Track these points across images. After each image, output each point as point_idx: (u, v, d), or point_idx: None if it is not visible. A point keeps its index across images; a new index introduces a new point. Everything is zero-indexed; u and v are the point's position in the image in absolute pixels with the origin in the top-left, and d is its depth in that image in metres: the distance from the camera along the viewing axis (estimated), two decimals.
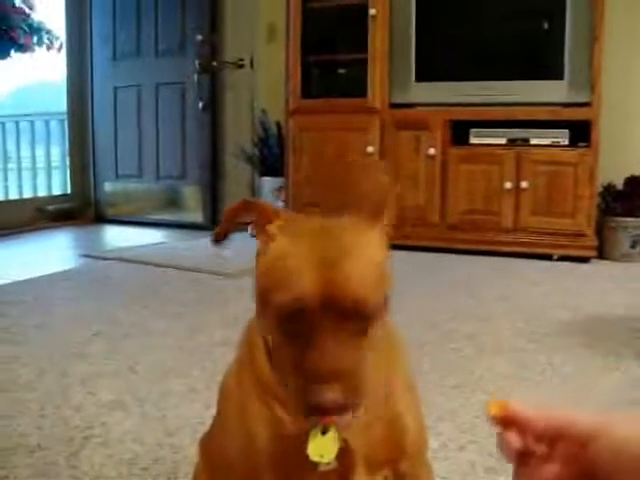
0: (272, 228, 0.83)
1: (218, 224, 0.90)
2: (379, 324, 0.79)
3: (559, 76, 4.12)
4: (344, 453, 0.87)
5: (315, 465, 0.85)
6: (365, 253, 0.80)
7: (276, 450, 0.88)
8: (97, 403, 1.99)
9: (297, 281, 0.76)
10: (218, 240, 0.89)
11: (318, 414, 0.74)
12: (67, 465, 1.62)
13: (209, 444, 1.11)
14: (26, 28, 6.87)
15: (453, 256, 4.24)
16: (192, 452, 1.66)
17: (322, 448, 0.85)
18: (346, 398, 0.73)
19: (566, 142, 4.15)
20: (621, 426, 0.54)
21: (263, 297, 0.80)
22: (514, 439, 0.57)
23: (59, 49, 6.34)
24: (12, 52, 8.24)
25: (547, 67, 4.21)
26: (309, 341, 0.75)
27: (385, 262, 0.82)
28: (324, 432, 0.85)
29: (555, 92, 4.14)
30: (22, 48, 7.49)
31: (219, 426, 1.02)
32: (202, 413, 1.90)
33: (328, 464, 0.85)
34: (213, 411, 1.86)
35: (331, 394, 0.73)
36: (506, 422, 0.58)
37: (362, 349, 0.77)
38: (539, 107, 4.18)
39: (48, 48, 6.37)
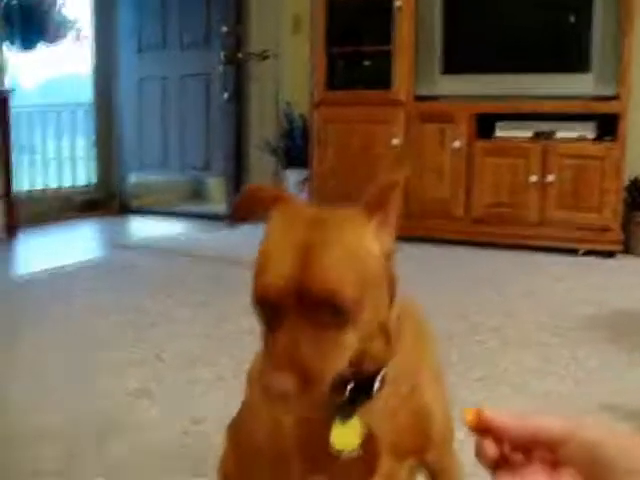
0: (272, 214, 0.83)
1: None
2: (361, 321, 0.76)
3: (586, 69, 4.08)
4: (369, 441, 0.87)
5: (340, 451, 0.86)
6: (348, 245, 0.77)
7: (302, 435, 0.89)
8: (124, 391, 2.01)
9: (273, 268, 0.75)
10: (232, 223, 0.89)
11: (269, 398, 0.73)
12: (93, 452, 1.64)
13: (237, 430, 1.11)
14: (53, 20, 6.93)
15: (478, 250, 4.22)
16: (219, 440, 1.67)
17: (345, 437, 0.86)
18: (297, 389, 0.72)
19: (593, 135, 4.11)
20: (590, 429, 0.55)
21: (251, 282, 0.79)
22: (490, 447, 0.58)
23: (83, 40, 6.40)
24: (39, 44, 8.31)
25: (574, 60, 4.17)
26: (278, 327, 0.75)
27: (376, 258, 0.79)
28: (347, 419, 0.86)
29: (582, 85, 4.10)
30: (49, 40, 7.56)
31: (247, 412, 1.03)
32: (229, 401, 1.90)
33: (351, 452, 0.86)
34: (240, 399, 1.88)
35: (280, 381, 0.72)
36: (481, 429, 0.59)
37: (335, 344, 0.75)
38: (566, 100, 4.14)
39: (74, 40, 6.43)
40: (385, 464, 0.90)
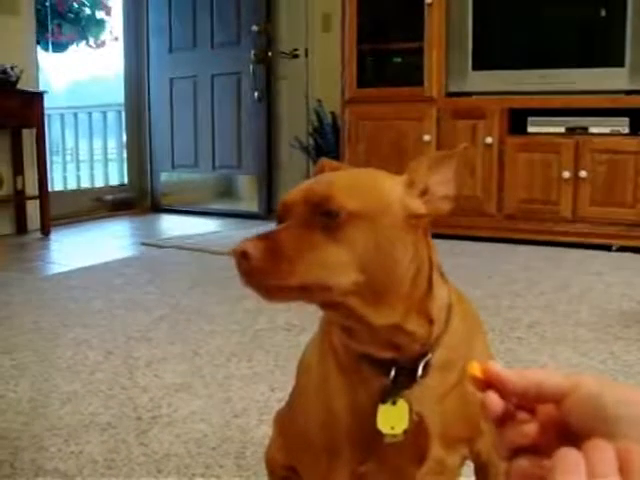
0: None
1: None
2: (355, 241, 0.79)
3: (620, 63, 4.05)
4: (419, 427, 0.88)
5: (386, 434, 0.86)
6: (364, 181, 0.85)
7: (353, 424, 0.90)
8: (163, 385, 2.04)
9: (295, 188, 0.85)
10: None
11: (233, 255, 0.77)
12: (137, 443, 1.66)
13: (286, 419, 1.12)
14: (84, 23, 7.01)
15: (511, 246, 4.20)
16: (259, 433, 1.69)
17: (392, 419, 0.86)
18: (261, 259, 0.76)
19: (626, 130, 4.08)
20: (589, 382, 0.55)
21: None
22: (495, 401, 0.58)
23: (114, 41, 6.48)
24: (70, 46, 8.42)
25: (607, 54, 4.13)
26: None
27: (393, 207, 0.82)
28: (394, 403, 0.87)
29: (615, 79, 4.07)
30: (80, 42, 7.65)
31: (298, 402, 1.03)
32: (267, 395, 1.93)
33: (395, 436, 0.86)
34: (278, 394, 1.90)
35: (247, 243, 0.76)
36: (487, 384, 0.59)
37: (318, 247, 0.78)
38: (598, 95, 4.11)
39: (109, 41, 6.51)
40: (435, 451, 0.90)
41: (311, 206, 0.80)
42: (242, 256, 0.76)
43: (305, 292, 0.79)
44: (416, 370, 0.86)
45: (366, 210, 0.80)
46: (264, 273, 0.76)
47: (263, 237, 0.78)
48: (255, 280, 0.78)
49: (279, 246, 0.77)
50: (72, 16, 8.61)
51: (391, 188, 0.84)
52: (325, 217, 0.78)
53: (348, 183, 0.83)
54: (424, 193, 0.85)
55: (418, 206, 0.84)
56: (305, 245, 0.78)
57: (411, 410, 0.87)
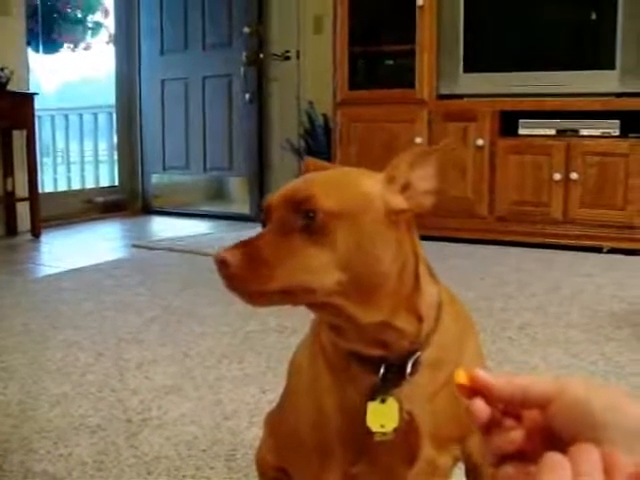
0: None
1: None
2: (336, 242, 0.79)
3: (610, 66, 4.06)
4: (409, 426, 0.88)
5: (376, 433, 0.86)
6: (343, 179, 0.86)
7: (345, 423, 0.90)
8: (153, 387, 2.03)
9: (278, 190, 0.86)
10: None
11: (215, 264, 0.78)
12: (127, 445, 1.66)
13: (277, 420, 1.12)
14: (76, 24, 7.00)
15: (502, 248, 4.21)
16: (250, 435, 1.69)
17: (381, 417, 0.86)
18: (241, 266, 0.76)
19: (617, 133, 4.08)
20: (575, 388, 0.55)
21: None
22: (482, 408, 0.58)
23: (106, 43, 6.47)
24: (61, 48, 8.40)
25: (598, 57, 4.14)
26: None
27: (373, 203, 0.82)
28: (384, 401, 0.86)
29: (606, 82, 4.07)
30: (72, 44, 7.64)
31: (289, 402, 1.03)
32: (258, 397, 1.92)
33: (385, 434, 0.86)
34: (269, 396, 1.89)
35: (227, 252, 0.77)
36: (474, 391, 0.59)
37: (298, 251, 0.78)
38: (589, 97, 4.12)
39: (102, 43, 6.50)
40: (426, 451, 0.90)
41: (290, 208, 0.80)
42: (222, 263, 0.77)
43: (288, 295, 0.79)
44: (405, 368, 0.86)
45: (345, 209, 0.80)
46: (244, 279, 0.77)
47: (242, 244, 0.79)
48: (236, 286, 0.78)
49: (258, 252, 0.78)
50: (69, 18, 8.60)
51: (371, 185, 0.84)
52: (304, 219, 0.79)
53: (326, 183, 0.83)
54: (406, 189, 0.85)
55: (399, 202, 0.84)
56: (284, 249, 0.79)
57: (401, 408, 0.86)
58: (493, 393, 0.58)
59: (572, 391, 0.54)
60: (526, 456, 0.56)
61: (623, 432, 0.51)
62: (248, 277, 0.77)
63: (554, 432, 0.55)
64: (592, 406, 0.53)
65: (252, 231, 0.84)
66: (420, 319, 0.86)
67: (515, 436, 0.57)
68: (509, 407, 0.58)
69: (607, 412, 0.52)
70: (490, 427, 0.58)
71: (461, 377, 0.59)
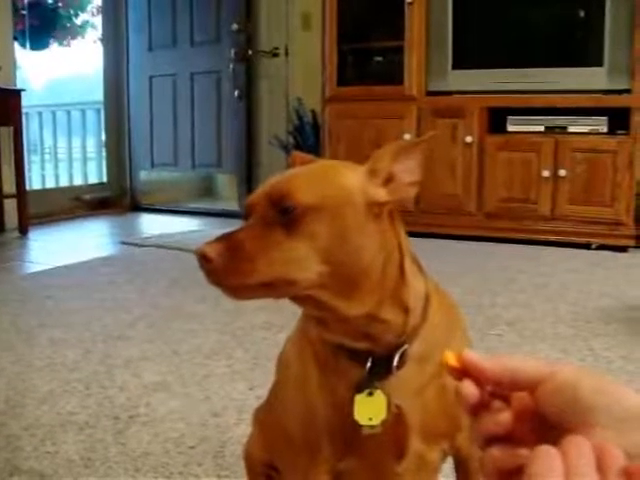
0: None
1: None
2: (314, 235, 0.79)
3: (598, 63, 4.07)
4: (398, 420, 0.87)
5: (364, 426, 0.86)
6: (321, 173, 0.86)
7: (333, 417, 0.89)
8: (141, 384, 2.02)
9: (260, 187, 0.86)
10: None
11: (197, 260, 0.78)
12: (115, 442, 1.65)
13: (266, 416, 1.11)
14: (65, 21, 6.95)
15: (491, 245, 4.21)
16: (238, 432, 1.68)
17: (369, 410, 0.86)
18: (221, 260, 0.77)
19: (605, 130, 4.10)
20: (566, 371, 0.54)
21: None
22: (471, 390, 0.58)
23: (93, 39, 6.43)
24: (50, 44, 8.36)
25: (586, 54, 4.15)
26: None
27: (353, 196, 0.82)
28: (371, 394, 0.86)
29: (594, 79, 4.09)
30: (60, 40, 7.59)
31: (277, 397, 1.03)
32: (246, 394, 1.92)
33: (373, 427, 0.86)
34: (257, 392, 1.89)
35: (207, 246, 0.78)
36: (463, 372, 0.59)
37: (277, 245, 0.79)
38: (577, 94, 4.12)
39: (90, 40, 6.46)
40: (415, 446, 0.89)
41: (270, 203, 0.81)
42: (203, 258, 0.77)
43: (270, 288, 0.80)
44: (392, 361, 0.86)
45: (324, 202, 0.81)
46: (225, 273, 0.78)
47: (222, 238, 0.79)
48: (217, 280, 0.79)
49: (238, 246, 0.78)
50: (58, 14, 8.56)
51: (351, 178, 0.84)
52: (283, 213, 0.79)
53: (306, 177, 0.84)
54: (389, 181, 0.85)
55: (380, 194, 0.84)
56: (264, 242, 0.79)
57: (389, 401, 0.86)
58: (482, 374, 0.57)
59: (561, 374, 0.54)
60: (514, 439, 0.56)
61: (612, 415, 0.51)
62: (229, 271, 0.78)
63: (543, 414, 0.55)
64: (581, 389, 0.52)
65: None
66: (406, 311, 0.86)
67: (503, 418, 0.57)
68: (498, 389, 0.58)
69: (596, 395, 0.52)
70: (479, 409, 0.58)
71: (450, 358, 0.59)
